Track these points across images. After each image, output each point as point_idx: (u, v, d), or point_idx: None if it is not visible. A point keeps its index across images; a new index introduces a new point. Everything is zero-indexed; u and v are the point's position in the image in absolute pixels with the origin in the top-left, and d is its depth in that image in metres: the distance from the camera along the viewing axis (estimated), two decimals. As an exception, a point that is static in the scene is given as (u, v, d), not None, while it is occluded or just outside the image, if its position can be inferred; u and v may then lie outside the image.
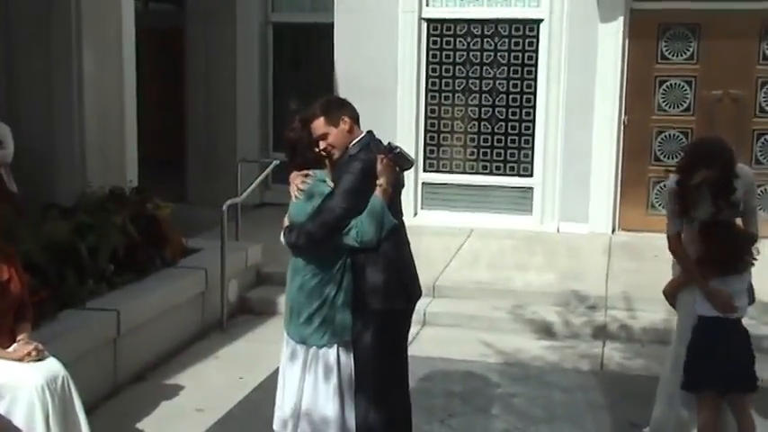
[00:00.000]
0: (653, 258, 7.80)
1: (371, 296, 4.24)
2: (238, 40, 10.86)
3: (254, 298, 7.58)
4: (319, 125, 4.25)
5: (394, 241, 4.28)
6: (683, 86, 9.34)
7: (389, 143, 4.29)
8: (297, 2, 11.30)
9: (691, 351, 4.49)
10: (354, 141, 4.28)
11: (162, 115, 12.13)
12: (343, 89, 9.66)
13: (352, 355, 4.27)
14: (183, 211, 8.38)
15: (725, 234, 4.56)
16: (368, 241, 4.15)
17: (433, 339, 6.80)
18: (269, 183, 9.90)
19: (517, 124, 9.73)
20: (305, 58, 11.42)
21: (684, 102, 9.36)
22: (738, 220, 4.73)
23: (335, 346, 4.22)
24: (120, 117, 7.70)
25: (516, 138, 9.75)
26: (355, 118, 4.33)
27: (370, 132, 4.36)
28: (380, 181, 4.16)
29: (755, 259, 4.50)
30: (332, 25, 9.85)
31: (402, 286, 4.34)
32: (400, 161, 4.23)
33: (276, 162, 8.47)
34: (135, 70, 7.89)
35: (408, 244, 4.46)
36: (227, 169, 9.80)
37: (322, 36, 10.35)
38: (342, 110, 4.28)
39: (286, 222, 4.36)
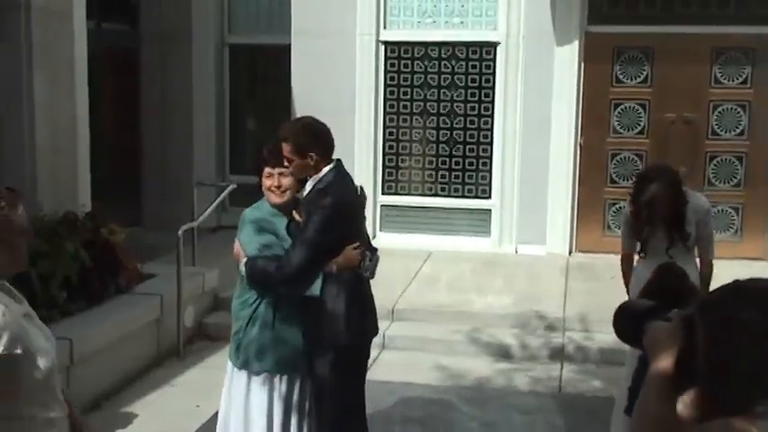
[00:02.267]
0: (609, 280, 7.83)
1: (328, 330, 4.21)
2: (194, 62, 10.78)
3: (212, 323, 7.48)
4: (285, 150, 4.20)
5: (354, 276, 4.27)
6: (638, 109, 9.45)
7: (361, 187, 4.28)
8: (253, 23, 11.26)
9: (635, 377, 4.51)
10: (322, 174, 4.23)
11: (117, 137, 11.99)
12: (301, 111, 9.62)
13: (278, 387, 4.27)
14: (138, 236, 8.27)
15: (670, 281, 4.60)
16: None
17: (392, 363, 6.76)
18: (226, 206, 9.81)
19: (475, 146, 9.77)
20: (262, 79, 11.39)
21: (639, 125, 9.47)
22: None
23: (245, 372, 4.25)
24: (72, 140, 7.59)
25: (474, 160, 9.79)
26: (326, 152, 4.25)
27: (338, 162, 4.30)
28: (337, 261, 4.14)
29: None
30: (289, 47, 9.83)
31: (359, 322, 4.32)
32: (365, 265, 4.22)
33: (233, 186, 8.40)
34: (87, 93, 7.78)
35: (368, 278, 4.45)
36: (183, 193, 9.70)
37: (279, 58, 10.32)
38: (313, 144, 4.18)
39: (237, 248, 4.31)
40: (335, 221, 4.14)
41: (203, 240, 8.53)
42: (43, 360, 2.73)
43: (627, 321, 2.42)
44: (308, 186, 4.24)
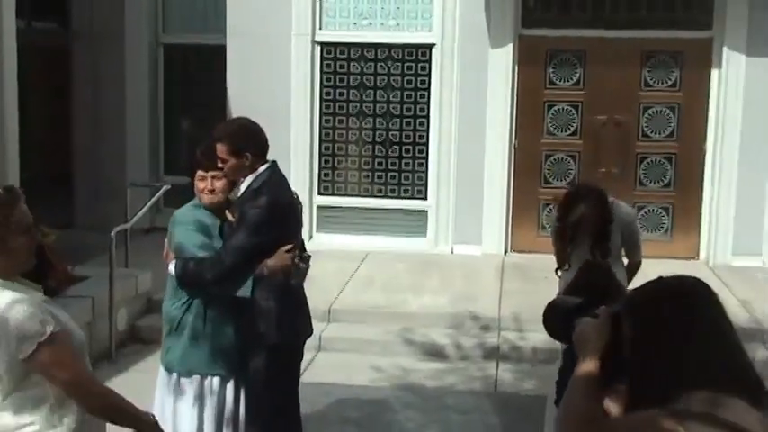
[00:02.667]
0: (543, 279, 7.94)
1: (260, 331, 4.20)
2: (127, 61, 10.63)
3: (145, 326, 7.38)
4: (220, 150, 4.18)
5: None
6: (571, 111, 9.60)
7: (296, 194, 4.26)
8: (188, 23, 11.14)
9: (561, 371, 4.59)
10: (257, 174, 4.21)
11: (48, 136, 11.75)
12: (236, 112, 9.55)
13: (209, 388, 4.25)
14: (69, 237, 8.12)
15: (597, 277, 4.68)
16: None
17: (328, 365, 6.75)
18: (160, 207, 9.69)
19: (411, 147, 9.81)
20: (197, 79, 11.26)
21: (572, 126, 9.61)
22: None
23: (176, 374, 4.24)
24: (0, 137, 7.42)
25: (410, 161, 9.83)
26: (261, 152, 4.25)
27: (274, 164, 4.30)
28: (270, 263, 4.13)
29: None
30: (224, 47, 9.75)
31: (292, 322, 4.32)
32: (296, 271, 4.21)
33: (167, 186, 8.31)
34: (17, 90, 7.62)
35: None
36: (116, 193, 9.55)
37: (214, 58, 10.22)
38: (247, 145, 4.19)
39: (167, 248, 4.27)
40: (269, 222, 4.13)
41: (137, 242, 8.41)
42: (77, 334, 2.95)
43: (556, 318, 2.45)
44: (243, 186, 4.23)
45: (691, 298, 2.16)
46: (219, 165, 4.20)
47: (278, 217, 4.19)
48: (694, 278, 2.22)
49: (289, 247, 4.19)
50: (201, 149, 4.30)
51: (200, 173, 4.24)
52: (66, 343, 2.82)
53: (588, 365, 2.17)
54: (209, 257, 4.13)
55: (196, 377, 4.24)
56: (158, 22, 11.03)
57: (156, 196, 8.40)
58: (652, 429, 2.01)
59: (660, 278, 2.23)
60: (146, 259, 7.98)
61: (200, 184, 4.25)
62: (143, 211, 7.90)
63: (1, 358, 2.78)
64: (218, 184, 4.23)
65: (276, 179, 4.28)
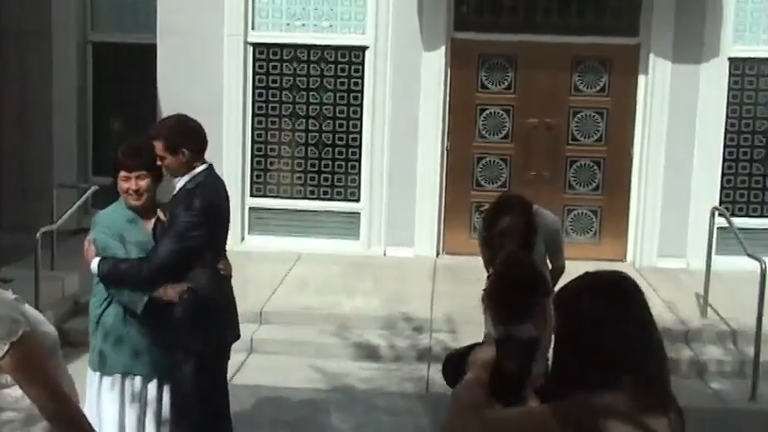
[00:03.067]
0: (475, 281, 7.99)
1: (185, 334, 4.17)
2: (55, 60, 10.42)
3: (72, 329, 7.21)
4: (158, 147, 4.18)
5: (216, 280, 4.26)
6: (502, 115, 9.71)
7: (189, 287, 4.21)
8: (118, 21, 10.97)
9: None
10: (193, 174, 4.18)
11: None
12: (167, 111, 9.38)
13: (130, 388, 4.24)
14: (-7, 239, 7.94)
15: (522, 269, 4.74)
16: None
17: (260, 367, 6.71)
18: (88, 208, 9.51)
19: (344, 149, 9.81)
20: (127, 79, 11.08)
21: (503, 129, 9.72)
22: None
23: (99, 373, 4.22)
24: None
25: (343, 163, 9.82)
26: (196, 149, 4.24)
27: (210, 167, 4.29)
28: (166, 293, 4.13)
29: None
30: (155, 46, 9.62)
31: (218, 325, 4.30)
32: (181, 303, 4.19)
33: (95, 187, 8.18)
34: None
35: (229, 282, 4.43)
36: (43, 194, 9.35)
37: (145, 57, 10.09)
38: (182, 141, 4.19)
39: (88, 244, 4.21)
40: (200, 225, 4.10)
41: (64, 243, 8.25)
42: (49, 332, 2.91)
43: (447, 372, 2.58)
44: (178, 185, 4.20)
45: (614, 292, 2.19)
46: (159, 162, 4.20)
47: (210, 220, 4.17)
48: (618, 273, 2.24)
49: (184, 287, 4.16)
50: (122, 150, 4.26)
51: (123, 173, 4.20)
52: (37, 344, 2.77)
53: (475, 374, 2.28)
54: (138, 259, 4.09)
55: (117, 376, 4.21)
56: (87, 20, 10.84)
57: (84, 197, 8.25)
58: (533, 427, 2.05)
59: (585, 273, 2.27)
60: (73, 261, 7.80)
61: (123, 185, 4.21)
62: (70, 212, 7.77)
63: None
64: (143, 184, 4.19)
65: (211, 181, 4.27)
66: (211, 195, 4.23)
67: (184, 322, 4.16)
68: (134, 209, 4.24)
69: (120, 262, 4.10)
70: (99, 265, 4.12)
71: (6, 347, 2.68)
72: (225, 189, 4.44)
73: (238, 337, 4.53)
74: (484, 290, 3.14)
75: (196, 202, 4.13)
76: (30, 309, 2.90)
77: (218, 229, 4.31)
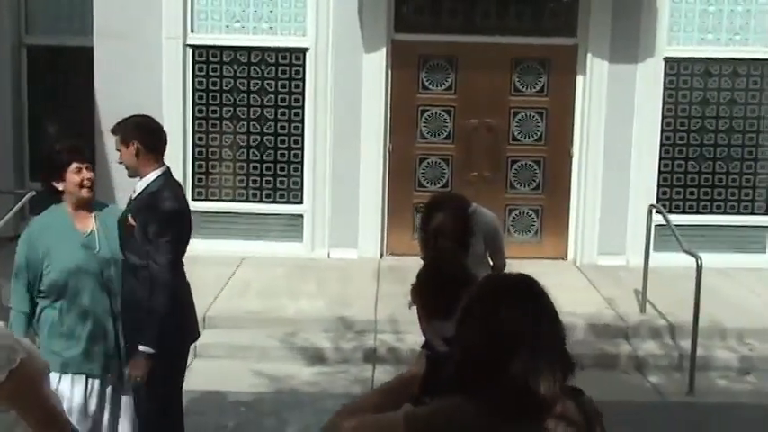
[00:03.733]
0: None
1: (145, 334, 4.16)
2: (-12, 63, 10.23)
3: (10, 338, 7.10)
4: (116, 143, 4.35)
5: (185, 280, 4.32)
6: (443, 116, 9.77)
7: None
8: (53, 24, 10.79)
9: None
10: (152, 178, 4.27)
11: None
12: (106, 115, 9.33)
13: (79, 385, 4.26)
14: (-73, 247, 7.75)
15: (453, 268, 4.76)
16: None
17: (204, 372, 6.65)
18: (25, 214, 9.33)
19: (286, 152, 9.78)
20: (64, 82, 10.91)
21: (445, 130, 9.78)
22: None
23: (57, 374, 4.22)
24: None
25: (285, 165, 9.79)
26: (149, 145, 4.34)
27: (169, 169, 4.45)
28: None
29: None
30: (92, 49, 9.48)
31: (177, 326, 4.29)
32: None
33: (32, 193, 8.03)
34: None
35: (189, 284, 4.47)
36: (-23, 200, 9.16)
37: (82, 60, 9.94)
38: (134, 133, 4.32)
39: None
40: (171, 227, 4.18)
41: (1, 251, 8.08)
42: (38, 356, 2.80)
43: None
44: (139, 188, 4.30)
45: (515, 295, 2.13)
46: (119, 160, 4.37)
47: (176, 223, 4.25)
48: (519, 275, 2.19)
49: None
50: (66, 146, 4.36)
51: (75, 165, 4.27)
52: (33, 370, 2.70)
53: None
54: (148, 295, 4.14)
55: (70, 376, 4.23)
56: (21, 22, 10.64)
57: (21, 203, 8.10)
58: (391, 429, 2.05)
59: (487, 277, 2.26)
60: (10, 269, 7.67)
61: (76, 178, 4.27)
62: (6, 218, 7.63)
63: None
64: (92, 175, 4.35)
65: (172, 182, 4.41)
66: (175, 199, 4.34)
67: (144, 322, 4.16)
68: (80, 204, 4.31)
69: (142, 320, 4.15)
70: (149, 348, 4.14)
71: (5, 376, 2.60)
72: (184, 192, 4.59)
73: (197, 337, 4.60)
74: (412, 285, 3.17)
75: (164, 205, 4.24)
76: (19, 334, 2.89)
77: (183, 232, 4.40)
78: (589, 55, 9.47)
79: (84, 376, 4.23)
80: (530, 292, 2.12)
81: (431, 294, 4.04)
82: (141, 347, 4.13)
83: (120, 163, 4.37)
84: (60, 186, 4.29)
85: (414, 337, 7.14)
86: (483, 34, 9.61)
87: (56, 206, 4.38)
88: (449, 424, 1.98)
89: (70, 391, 4.21)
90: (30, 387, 2.69)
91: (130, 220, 4.26)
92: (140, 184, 4.32)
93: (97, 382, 4.27)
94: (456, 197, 5.21)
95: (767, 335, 7.65)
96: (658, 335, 7.64)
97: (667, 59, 9.58)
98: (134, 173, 4.36)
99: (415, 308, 3.24)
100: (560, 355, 2.06)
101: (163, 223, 4.19)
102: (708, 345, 7.33)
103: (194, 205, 9.66)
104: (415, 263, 6.19)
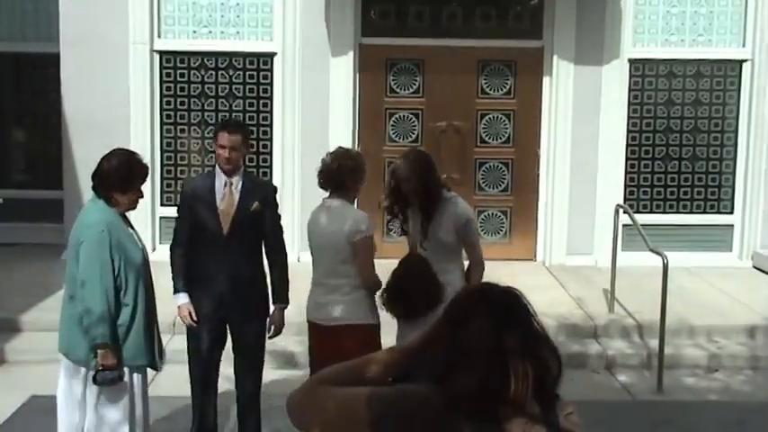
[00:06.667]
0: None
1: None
2: (-48, 71, 10.13)
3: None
4: (235, 141, 5.33)
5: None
6: (411, 118, 9.80)
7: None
8: (18, 30, 10.70)
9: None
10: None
11: None
12: (73, 122, 9.29)
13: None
14: None
15: (422, 267, 4.77)
16: None
17: (173, 377, 6.60)
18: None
19: (255, 156, 9.76)
20: (30, 89, 10.83)
21: (413, 133, 9.81)
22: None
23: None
24: None
25: (254, 170, 9.77)
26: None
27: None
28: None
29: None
30: (59, 56, 9.41)
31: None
32: None
33: (0, 200, 7.96)
34: None
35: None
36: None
37: (49, 67, 9.87)
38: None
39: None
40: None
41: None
42: None
43: None
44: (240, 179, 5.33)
45: (491, 308, 2.09)
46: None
47: None
48: (495, 286, 2.15)
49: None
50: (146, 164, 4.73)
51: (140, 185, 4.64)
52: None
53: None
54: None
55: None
56: (-14, 29, 10.56)
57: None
58: (354, 404, 2.06)
59: (464, 288, 2.26)
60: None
61: (134, 196, 4.65)
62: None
63: None
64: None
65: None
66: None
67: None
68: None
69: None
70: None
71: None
72: None
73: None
74: (384, 288, 3.19)
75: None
76: None
77: None
78: (555, 57, 9.54)
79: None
80: (508, 306, 2.09)
81: (396, 299, 4.08)
82: (281, 305, 5.53)
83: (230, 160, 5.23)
84: (119, 194, 4.44)
85: (384, 339, 7.15)
86: (450, 37, 9.66)
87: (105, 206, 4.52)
88: (411, 409, 1.99)
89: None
90: None
91: (256, 205, 5.14)
92: (238, 177, 5.28)
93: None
94: (419, 150, 5.45)
95: (734, 332, 7.74)
96: (627, 334, 7.71)
97: (632, 61, 9.68)
98: (237, 168, 5.22)
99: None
100: (534, 360, 2.06)
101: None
102: (676, 343, 7.40)
103: (162, 211, 9.71)
104: (384, 265, 6.22)
